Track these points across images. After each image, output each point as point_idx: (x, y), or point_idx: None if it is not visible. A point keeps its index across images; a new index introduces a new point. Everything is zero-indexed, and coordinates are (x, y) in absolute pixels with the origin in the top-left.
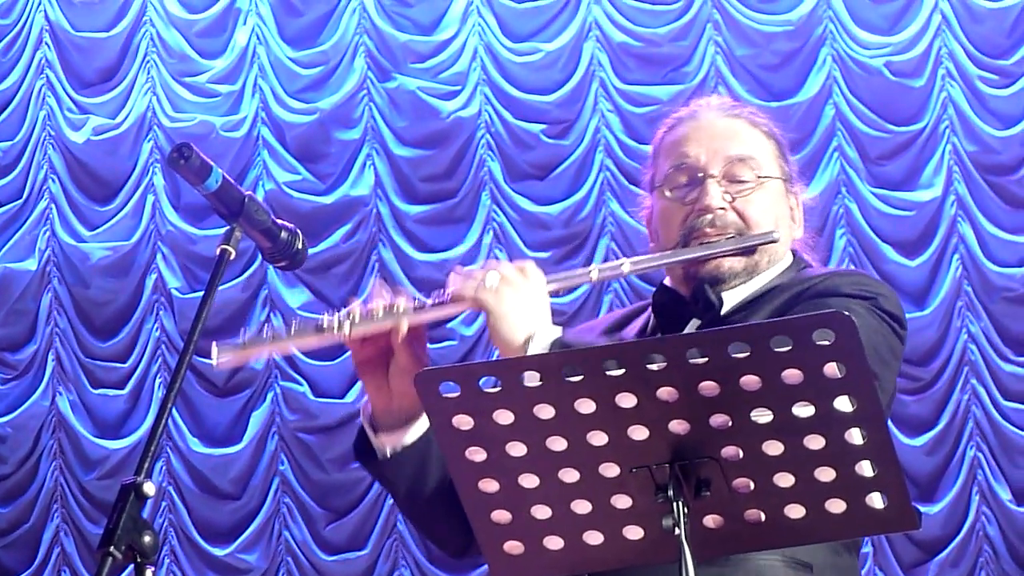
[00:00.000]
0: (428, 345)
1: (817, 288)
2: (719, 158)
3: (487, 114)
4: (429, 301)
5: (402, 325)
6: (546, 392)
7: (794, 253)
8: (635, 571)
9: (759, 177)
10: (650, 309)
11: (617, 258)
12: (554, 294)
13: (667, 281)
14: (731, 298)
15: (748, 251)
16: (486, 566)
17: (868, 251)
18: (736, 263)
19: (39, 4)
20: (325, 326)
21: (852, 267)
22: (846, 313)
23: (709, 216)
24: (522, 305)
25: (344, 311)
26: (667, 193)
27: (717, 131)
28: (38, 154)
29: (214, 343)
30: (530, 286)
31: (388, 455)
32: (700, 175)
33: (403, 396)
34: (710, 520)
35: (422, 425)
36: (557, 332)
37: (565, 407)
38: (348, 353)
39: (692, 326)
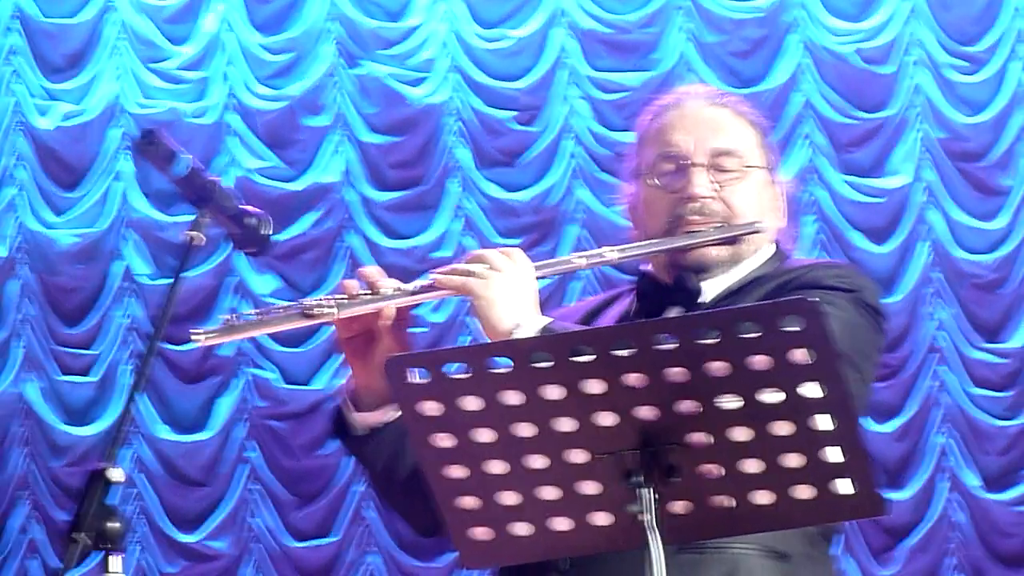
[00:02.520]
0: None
1: (800, 280)
2: (705, 147)
3: (456, 101)
4: (417, 285)
5: (388, 309)
6: (514, 378)
7: (776, 244)
8: (605, 557)
9: (745, 167)
10: (633, 295)
11: (589, 245)
12: (540, 279)
13: (648, 267)
14: (712, 287)
15: (733, 240)
16: (455, 552)
17: (837, 238)
18: (721, 252)
19: None
20: (313, 311)
21: (828, 257)
22: (814, 299)
23: (695, 204)
24: (510, 292)
25: (331, 295)
26: (653, 181)
27: (703, 120)
28: (6, 140)
29: (194, 331)
30: (518, 273)
31: (368, 431)
32: (686, 163)
33: (384, 377)
34: (678, 506)
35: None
36: (545, 320)
37: (533, 393)
38: (318, 340)
39: (672, 313)
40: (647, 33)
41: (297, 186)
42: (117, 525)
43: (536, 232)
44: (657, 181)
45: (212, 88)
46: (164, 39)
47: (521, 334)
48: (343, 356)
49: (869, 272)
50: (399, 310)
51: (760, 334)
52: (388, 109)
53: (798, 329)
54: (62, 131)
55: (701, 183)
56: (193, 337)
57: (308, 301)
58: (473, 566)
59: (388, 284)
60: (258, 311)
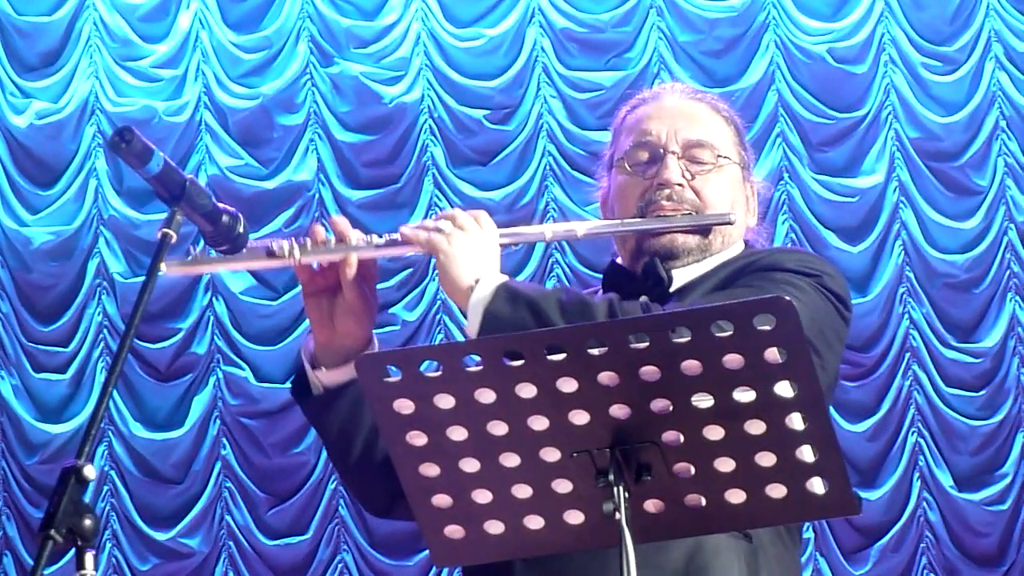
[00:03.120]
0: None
1: (762, 262)
2: (680, 137)
3: (430, 99)
4: (382, 239)
5: (352, 258)
6: (487, 376)
7: (746, 243)
8: (577, 556)
9: (718, 156)
10: (600, 292)
11: (562, 245)
12: (505, 247)
13: (618, 260)
14: (682, 276)
15: (702, 230)
16: (427, 550)
17: (810, 237)
18: (690, 240)
19: None
20: (276, 250)
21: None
22: (787, 298)
23: (667, 190)
24: (472, 250)
25: (296, 238)
26: (626, 167)
27: (680, 111)
28: None
29: (162, 262)
30: (482, 234)
31: (324, 392)
32: (661, 151)
33: (345, 334)
34: (651, 505)
35: None
36: (503, 278)
37: (506, 391)
38: (290, 338)
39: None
40: (621, 32)
41: (271, 184)
42: (90, 522)
43: None
44: (631, 168)
45: (186, 86)
46: (138, 38)
47: (480, 289)
48: (306, 313)
49: (842, 271)
50: (364, 265)
51: (733, 332)
52: (362, 108)
53: (770, 328)
54: (36, 129)
55: (674, 169)
56: (162, 267)
57: (273, 241)
58: (445, 564)
59: (355, 235)
60: (221, 249)
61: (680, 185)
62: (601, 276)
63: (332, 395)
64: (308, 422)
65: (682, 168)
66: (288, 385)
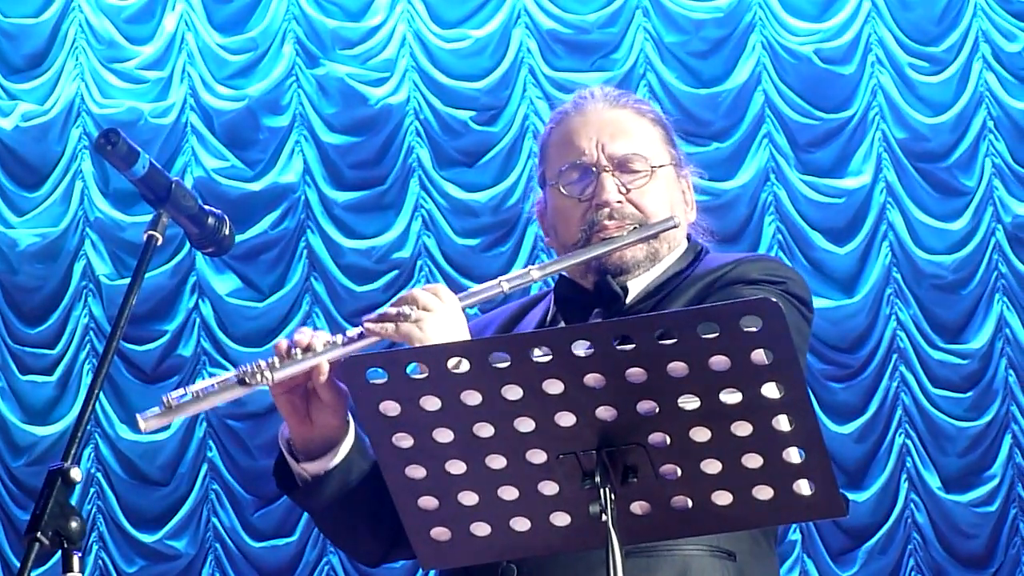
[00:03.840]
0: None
1: (728, 276)
2: (609, 152)
3: (416, 101)
4: (349, 335)
5: (323, 366)
6: (473, 378)
7: (689, 238)
8: (563, 558)
9: (651, 167)
10: (549, 300)
11: (546, 246)
12: (467, 311)
13: (566, 273)
14: (635, 286)
15: (650, 239)
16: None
17: (797, 238)
18: (638, 252)
19: None
20: (248, 378)
21: (785, 258)
22: (774, 300)
23: (607, 210)
24: (442, 329)
25: (263, 359)
26: (562, 190)
27: (605, 123)
28: None
29: (138, 415)
30: (447, 309)
31: (310, 480)
32: (593, 169)
33: (325, 427)
34: (637, 507)
35: (344, 449)
36: None
37: (492, 393)
38: (276, 340)
39: (595, 317)
40: (607, 33)
41: (257, 186)
42: (76, 524)
43: (495, 232)
44: (565, 190)
45: (172, 88)
46: (124, 39)
47: (464, 367)
48: (282, 414)
49: (829, 272)
50: (333, 363)
51: (719, 334)
52: (348, 109)
53: (756, 330)
54: (22, 131)
55: (610, 188)
56: (140, 422)
57: (243, 368)
58: (432, 566)
59: (320, 340)
60: (193, 388)
61: (619, 202)
62: (551, 289)
63: (318, 482)
64: (299, 508)
65: (617, 184)
66: (271, 474)
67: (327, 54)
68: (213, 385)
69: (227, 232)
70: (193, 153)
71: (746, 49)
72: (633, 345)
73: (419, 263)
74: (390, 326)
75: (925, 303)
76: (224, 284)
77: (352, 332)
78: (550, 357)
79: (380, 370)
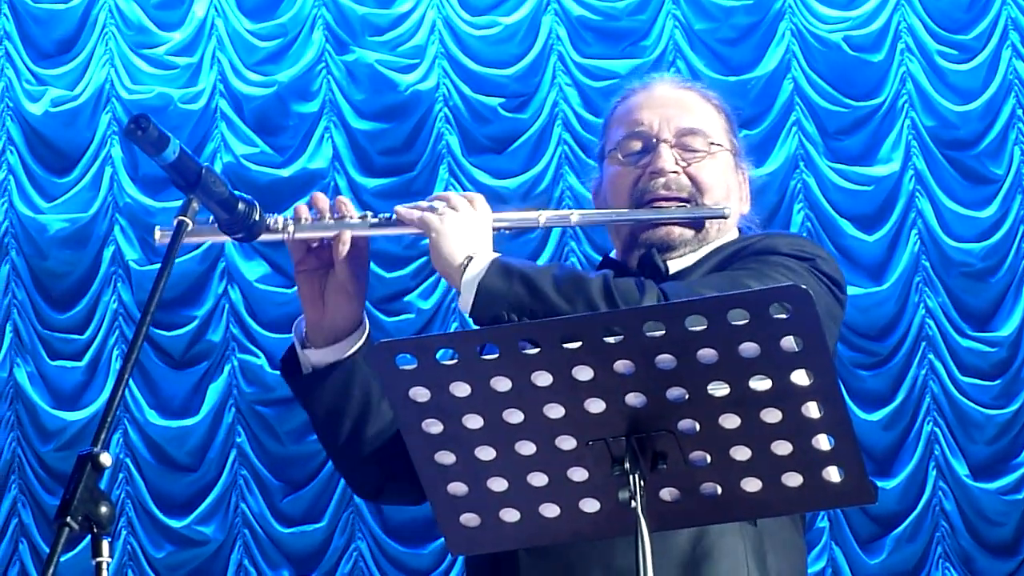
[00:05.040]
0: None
1: (755, 247)
2: (672, 125)
3: (445, 87)
4: (376, 218)
5: (345, 235)
6: (503, 364)
7: (739, 229)
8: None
9: (711, 144)
10: None
11: (576, 232)
12: (499, 231)
13: (612, 253)
14: (677, 267)
15: (697, 223)
16: (442, 538)
17: (826, 226)
18: (686, 232)
19: None
20: (271, 224)
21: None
22: (803, 287)
23: (662, 179)
24: (464, 228)
25: (290, 211)
26: (619, 157)
27: (670, 100)
28: None
29: (157, 227)
30: (475, 214)
31: (312, 371)
32: (653, 140)
33: (335, 313)
34: (666, 493)
35: (348, 345)
36: (496, 255)
37: (522, 379)
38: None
39: None
40: (636, 20)
41: (286, 172)
42: (106, 509)
43: None
44: (624, 158)
45: (202, 74)
46: (154, 25)
47: (473, 266)
48: (297, 290)
49: (857, 260)
50: (356, 245)
51: (749, 321)
52: (377, 95)
53: (786, 316)
54: (52, 116)
55: (667, 158)
56: (156, 234)
57: (270, 216)
58: (461, 552)
59: (347, 208)
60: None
61: (675, 172)
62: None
63: (320, 375)
64: (296, 399)
65: (676, 156)
66: (278, 363)
67: (357, 40)
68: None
69: (257, 218)
70: (222, 139)
71: (775, 36)
72: (663, 331)
73: None
74: (416, 212)
75: (954, 291)
76: (253, 270)
77: (382, 216)
78: (579, 344)
79: (410, 356)
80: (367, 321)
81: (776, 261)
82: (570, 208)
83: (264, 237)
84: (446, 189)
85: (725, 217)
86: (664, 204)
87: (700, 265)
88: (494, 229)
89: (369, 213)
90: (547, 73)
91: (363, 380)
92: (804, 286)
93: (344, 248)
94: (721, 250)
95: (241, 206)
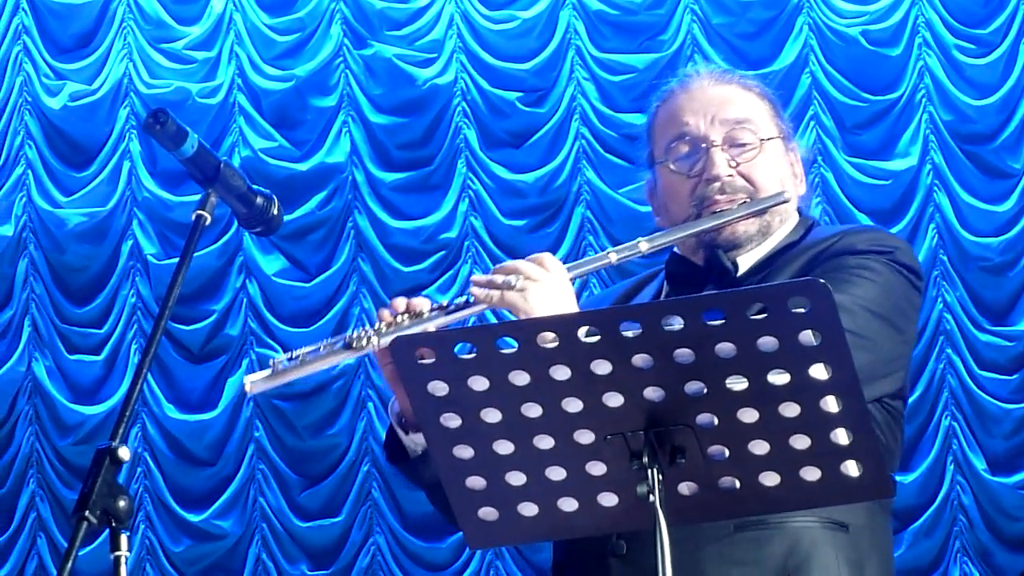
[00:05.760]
0: None
1: (834, 248)
2: (718, 124)
3: (463, 82)
4: (455, 302)
5: (429, 329)
6: (521, 359)
7: (800, 212)
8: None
9: (760, 139)
10: (661, 276)
11: (595, 226)
12: (575, 281)
13: (677, 250)
14: (746, 261)
15: (761, 213)
16: (460, 532)
17: (843, 220)
18: (750, 226)
19: None
20: (355, 343)
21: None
22: (822, 281)
23: (717, 184)
24: (550, 300)
25: (370, 325)
26: (671, 167)
27: (712, 98)
28: (14, 120)
29: (245, 377)
30: (553, 280)
31: (420, 452)
32: (703, 145)
33: None
34: (685, 487)
35: None
36: None
37: (540, 374)
38: (324, 319)
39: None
40: (654, 15)
41: (304, 166)
42: (124, 503)
43: (542, 213)
44: (675, 166)
45: (220, 68)
46: (172, 19)
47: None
48: (391, 386)
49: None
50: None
51: (767, 315)
52: (395, 90)
53: (804, 310)
54: (70, 111)
55: (720, 162)
56: (246, 384)
57: (350, 333)
58: (479, 546)
59: (423, 305)
60: (300, 353)
61: (729, 176)
62: (664, 267)
63: (427, 454)
64: (410, 484)
65: (727, 157)
66: (382, 448)
67: (375, 35)
68: (319, 349)
69: (275, 212)
70: (241, 133)
71: (793, 31)
72: (681, 326)
73: (466, 244)
74: (495, 293)
75: (972, 285)
76: (271, 264)
77: (459, 300)
78: (598, 337)
79: (428, 350)
80: None
81: (855, 262)
82: (598, 203)
83: (351, 355)
84: (464, 184)
85: (786, 202)
86: (724, 207)
87: (772, 262)
88: (572, 281)
89: (443, 302)
90: (565, 67)
91: None
92: (872, 281)
93: None
94: (796, 250)
95: (259, 200)
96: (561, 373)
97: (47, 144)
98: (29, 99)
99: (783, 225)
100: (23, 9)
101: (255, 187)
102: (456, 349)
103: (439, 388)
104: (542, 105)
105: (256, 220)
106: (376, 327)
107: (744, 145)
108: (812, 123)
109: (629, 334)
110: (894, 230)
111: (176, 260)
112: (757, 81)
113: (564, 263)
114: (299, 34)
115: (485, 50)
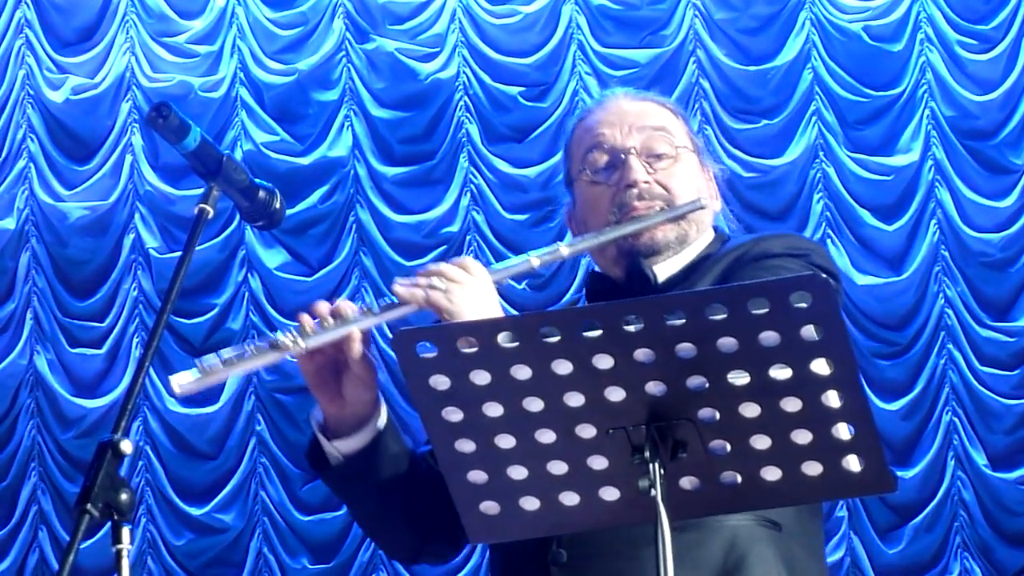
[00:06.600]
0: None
1: (751, 253)
2: (635, 132)
3: (465, 76)
4: (380, 304)
5: (356, 333)
6: (523, 353)
7: (715, 228)
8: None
9: (676, 147)
10: (581, 298)
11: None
12: (498, 284)
13: (596, 268)
14: (663, 271)
15: (679, 219)
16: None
17: (845, 216)
18: (669, 232)
19: None
20: (280, 344)
21: (827, 238)
22: (823, 276)
23: (635, 190)
24: (474, 299)
25: (295, 326)
26: (589, 177)
27: (628, 111)
28: (17, 113)
29: (171, 377)
30: (476, 282)
31: (342, 460)
32: (621, 155)
33: (356, 403)
34: (686, 482)
35: (373, 428)
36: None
37: (542, 368)
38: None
39: None
40: (656, 9)
41: (306, 160)
42: (126, 497)
43: (544, 208)
44: (593, 176)
45: (222, 62)
46: (174, 13)
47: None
48: (313, 391)
49: (877, 250)
50: (364, 335)
51: (769, 310)
52: (397, 84)
53: (806, 305)
54: (72, 104)
55: (638, 168)
56: (173, 385)
57: (275, 335)
58: (480, 540)
59: (350, 308)
60: (227, 355)
61: (647, 182)
62: (583, 290)
63: (353, 461)
64: (330, 490)
65: (644, 166)
66: (304, 459)
67: (377, 29)
68: (246, 351)
69: (278, 205)
70: (243, 127)
71: (795, 26)
72: (683, 320)
73: (468, 238)
74: (419, 293)
75: (973, 281)
76: (273, 258)
77: (384, 302)
78: (600, 332)
79: (430, 344)
80: (381, 396)
81: (774, 264)
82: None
83: (277, 356)
84: (466, 179)
85: (703, 207)
86: (643, 213)
87: (692, 271)
88: (494, 283)
89: (372, 303)
90: (567, 62)
91: (392, 455)
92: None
93: (356, 346)
94: (713, 260)
95: (261, 194)
96: (563, 367)
97: (49, 138)
98: (31, 93)
99: (700, 236)
100: (25, 3)
101: (257, 181)
102: (458, 343)
103: (440, 382)
104: (544, 100)
105: (258, 214)
106: (302, 329)
107: (660, 156)
108: (814, 118)
109: (631, 328)
110: (895, 225)
111: (178, 254)
112: (672, 100)
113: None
114: (301, 28)
115: (487, 45)
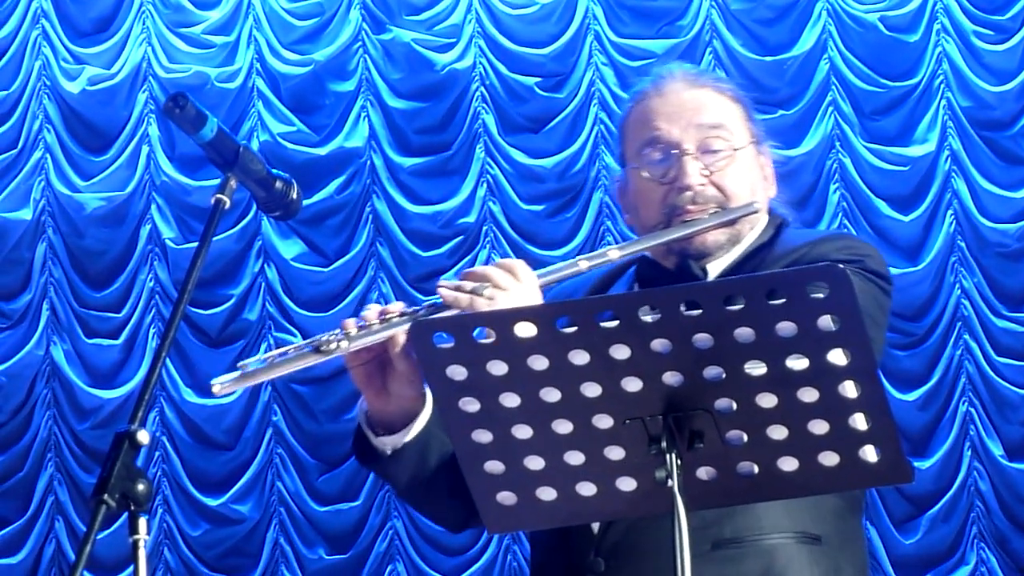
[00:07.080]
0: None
1: (806, 258)
2: (691, 130)
3: (482, 67)
4: (422, 308)
5: (399, 334)
6: (540, 343)
7: (770, 211)
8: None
9: (733, 149)
10: (631, 275)
11: (613, 212)
12: (545, 288)
13: (648, 254)
14: (715, 268)
15: (730, 224)
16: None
17: (862, 206)
18: (720, 235)
19: None
20: (323, 346)
21: (843, 229)
22: (841, 266)
23: (689, 194)
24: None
25: (340, 328)
26: (643, 173)
27: (685, 103)
28: (33, 104)
29: (213, 380)
30: (523, 288)
31: (390, 453)
32: (675, 152)
33: (402, 399)
34: (703, 472)
35: (422, 420)
36: None
37: (559, 358)
38: (342, 305)
39: None
40: (673, 0)
41: (322, 151)
42: (143, 487)
43: (561, 198)
44: (647, 173)
45: (239, 53)
46: (191, 3)
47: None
48: (359, 387)
49: (893, 240)
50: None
51: (786, 300)
52: (414, 75)
53: (824, 296)
54: (89, 95)
55: (692, 172)
56: (214, 386)
57: (319, 337)
58: (497, 530)
59: (394, 310)
60: (269, 355)
61: (701, 185)
62: (634, 265)
63: (398, 455)
64: (377, 478)
65: (700, 166)
66: (351, 448)
67: (393, 19)
68: (288, 352)
69: (295, 196)
70: (259, 118)
71: (812, 16)
72: (700, 311)
73: (484, 229)
74: (464, 298)
75: (989, 271)
76: (290, 249)
77: (426, 305)
78: (617, 322)
79: (447, 334)
80: (428, 394)
81: None
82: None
83: (319, 359)
84: (482, 169)
85: (755, 212)
86: (695, 217)
87: (742, 268)
88: (541, 289)
89: (413, 307)
90: (583, 53)
91: (439, 444)
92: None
93: (398, 348)
94: (766, 255)
95: (278, 184)
96: (580, 358)
97: (66, 128)
98: (48, 83)
99: (753, 230)
100: None
101: (274, 171)
102: (475, 334)
103: (458, 373)
104: (560, 90)
105: (275, 204)
106: (346, 332)
107: (716, 152)
108: (830, 109)
109: (648, 319)
110: (912, 216)
111: (194, 244)
112: (730, 84)
113: (535, 269)
114: (318, 19)
115: (504, 35)
